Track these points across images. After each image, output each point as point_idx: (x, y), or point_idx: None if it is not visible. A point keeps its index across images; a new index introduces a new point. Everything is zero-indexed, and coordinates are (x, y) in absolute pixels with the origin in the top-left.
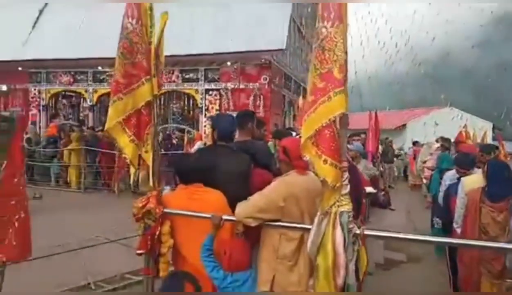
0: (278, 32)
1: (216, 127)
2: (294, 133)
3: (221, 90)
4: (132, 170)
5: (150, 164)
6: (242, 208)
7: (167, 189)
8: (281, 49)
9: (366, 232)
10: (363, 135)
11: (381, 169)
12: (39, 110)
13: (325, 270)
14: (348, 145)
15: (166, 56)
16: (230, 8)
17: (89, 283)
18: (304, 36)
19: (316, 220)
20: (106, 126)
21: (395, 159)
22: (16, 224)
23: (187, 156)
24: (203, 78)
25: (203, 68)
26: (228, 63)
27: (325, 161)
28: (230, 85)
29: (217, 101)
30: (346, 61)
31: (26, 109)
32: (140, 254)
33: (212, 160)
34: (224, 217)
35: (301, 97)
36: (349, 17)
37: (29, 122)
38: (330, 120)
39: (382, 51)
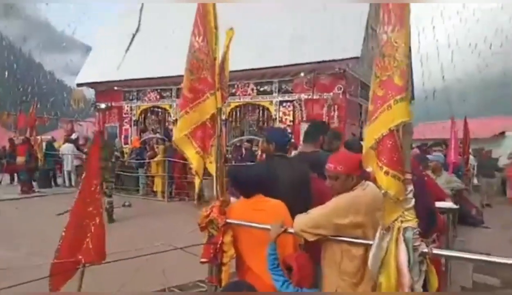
0: (353, 40)
1: (272, 140)
2: None
3: (294, 102)
4: (197, 181)
5: (214, 174)
6: (300, 220)
7: (233, 199)
8: (357, 57)
9: (435, 251)
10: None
11: (476, 182)
12: (131, 125)
13: (388, 289)
14: (428, 156)
15: (242, 70)
16: (302, 18)
17: (164, 289)
18: None
19: (377, 234)
20: (174, 138)
21: (496, 172)
22: (93, 229)
23: (243, 167)
24: (277, 90)
25: (277, 80)
26: (302, 74)
27: (386, 172)
28: (303, 96)
29: (291, 113)
30: (408, 66)
31: (120, 124)
32: (203, 262)
33: (270, 171)
34: (285, 227)
35: None
36: (435, 18)
37: (119, 137)
38: (390, 130)
39: (475, 54)
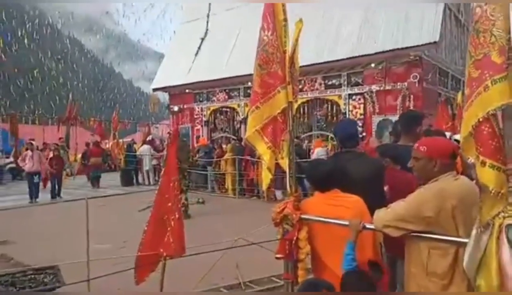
0: (429, 24)
1: (336, 135)
2: (448, 135)
3: (365, 94)
4: (267, 176)
5: (287, 169)
6: (381, 215)
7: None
8: (433, 43)
9: None
10: None
11: None
12: (202, 126)
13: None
14: None
15: (309, 65)
16: (372, 5)
17: (239, 283)
18: (462, 24)
19: (473, 232)
20: (246, 135)
21: None
22: (173, 224)
23: (319, 162)
24: (346, 83)
25: (346, 72)
26: (372, 65)
27: (483, 163)
28: (375, 87)
29: (361, 105)
30: (509, 41)
31: (192, 125)
32: (278, 258)
33: (338, 166)
34: (364, 223)
35: (460, 93)
36: None
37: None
38: (488, 114)
39: None
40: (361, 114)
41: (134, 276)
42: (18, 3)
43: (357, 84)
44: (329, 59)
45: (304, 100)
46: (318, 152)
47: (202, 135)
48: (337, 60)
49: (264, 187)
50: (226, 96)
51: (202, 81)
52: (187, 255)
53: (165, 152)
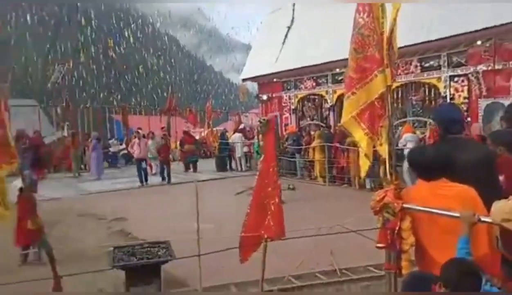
0: None
1: (438, 120)
2: None
3: (469, 75)
4: (365, 163)
5: (386, 156)
6: (501, 208)
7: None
8: None
9: None
10: None
11: None
12: (290, 114)
13: None
14: None
15: (403, 47)
16: None
17: (335, 270)
18: None
19: None
20: (342, 121)
21: None
22: (273, 208)
23: (423, 149)
24: (446, 64)
25: (446, 53)
26: (478, 42)
27: None
28: (481, 67)
29: (465, 88)
30: None
31: (281, 113)
32: (380, 248)
33: (444, 153)
34: (478, 216)
35: None
36: None
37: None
38: None
39: None
40: (464, 98)
41: (239, 255)
42: (124, 7)
43: (459, 65)
44: (428, 39)
45: (398, 84)
46: (407, 138)
47: (291, 123)
48: (437, 40)
49: (363, 174)
50: (314, 84)
51: (289, 70)
52: (286, 238)
53: (255, 140)
